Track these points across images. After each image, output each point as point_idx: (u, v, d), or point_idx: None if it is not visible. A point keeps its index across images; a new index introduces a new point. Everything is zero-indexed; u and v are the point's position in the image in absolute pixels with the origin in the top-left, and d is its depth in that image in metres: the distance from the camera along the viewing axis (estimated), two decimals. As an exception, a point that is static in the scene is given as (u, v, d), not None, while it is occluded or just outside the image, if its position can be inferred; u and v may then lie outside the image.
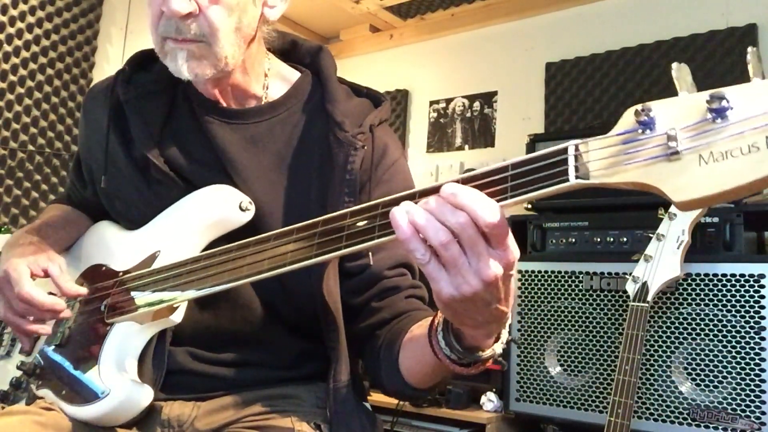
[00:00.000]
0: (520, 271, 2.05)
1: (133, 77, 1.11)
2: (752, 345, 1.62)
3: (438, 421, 2.14)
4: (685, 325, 1.71)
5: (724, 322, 1.66)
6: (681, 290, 1.73)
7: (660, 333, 1.74)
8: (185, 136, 1.08)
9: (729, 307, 1.66)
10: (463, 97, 3.19)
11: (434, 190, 0.70)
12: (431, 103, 3.28)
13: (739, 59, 2.43)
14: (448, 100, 3.23)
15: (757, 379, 1.60)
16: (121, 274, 1.04)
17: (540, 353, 1.96)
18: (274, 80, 1.12)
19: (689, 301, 1.72)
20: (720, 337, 1.66)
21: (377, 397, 2.10)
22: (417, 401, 2.14)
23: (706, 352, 1.68)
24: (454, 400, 2.13)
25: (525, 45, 3.03)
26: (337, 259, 0.99)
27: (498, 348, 0.81)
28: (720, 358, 1.65)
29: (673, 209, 1.67)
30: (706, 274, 1.70)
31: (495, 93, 3.09)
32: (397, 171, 1.08)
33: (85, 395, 0.96)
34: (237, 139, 1.06)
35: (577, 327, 1.91)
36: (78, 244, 1.19)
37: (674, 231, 1.65)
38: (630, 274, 1.69)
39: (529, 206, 2.17)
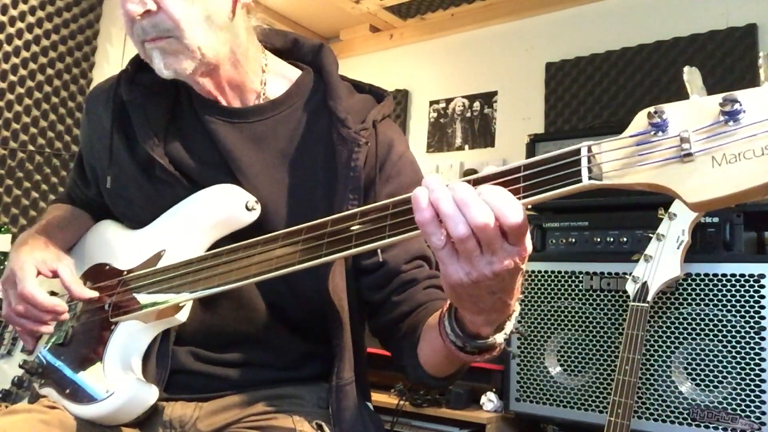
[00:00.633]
0: (520, 271, 2.04)
1: (136, 77, 1.11)
2: (752, 345, 1.62)
3: (438, 421, 2.14)
4: (685, 325, 1.71)
5: (724, 322, 1.66)
6: (681, 290, 1.73)
7: (660, 333, 1.74)
8: (189, 136, 1.08)
9: (729, 307, 1.66)
10: (463, 97, 3.19)
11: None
12: (431, 103, 3.29)
13: (739, 59, 2.44)
14: (448, 100, 3.23)
15: (757, 379, 1.60)
16: (125, 273, 1.04)
17: (540, 353, 1.96)
18: (274, 77, 1.12)
19: (689, 301, 1.72)
20: (720, 337, 1.66)
21: (377, 397, 2.10)
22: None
23: (706, 352, 1.68)
24: (454, 400, 2.13)
25: (525, 45, 3.03)
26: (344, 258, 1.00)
27: (499, 338, 0.81)
28: (720, 358, 1.65)
29: (673, 209, 1.67)
30: (706, 274, 1.70)
31: (495, 93, 3.09)
32: (404, 165, 1.08)
33: (90, 394, 0.96)
34: (240, 138, 1.06)
35: (577, 327, 1.91)
36: (81, 243, 1.19)
37: (674, 231, 1.65)
38: (630, 274, 1.69)
39: (530, 206, 2.17)
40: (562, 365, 1.93)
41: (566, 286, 1.94)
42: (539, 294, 2.00)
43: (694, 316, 1.71)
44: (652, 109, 0.61)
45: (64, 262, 1.05)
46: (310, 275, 0.96)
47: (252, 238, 0.90)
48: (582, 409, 1.86)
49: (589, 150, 0.64)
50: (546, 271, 1.99)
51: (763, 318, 1.61)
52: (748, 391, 1.61)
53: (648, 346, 1.74)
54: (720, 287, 1.68)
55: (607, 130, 2.13)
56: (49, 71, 2.70)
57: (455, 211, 0.66)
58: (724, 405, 1.63)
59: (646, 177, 0.61)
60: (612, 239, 1.94)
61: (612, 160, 0.63)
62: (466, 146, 3.14)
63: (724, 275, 1.68)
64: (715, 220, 1.76)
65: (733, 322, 1.65)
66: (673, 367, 1.72)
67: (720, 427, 1.62)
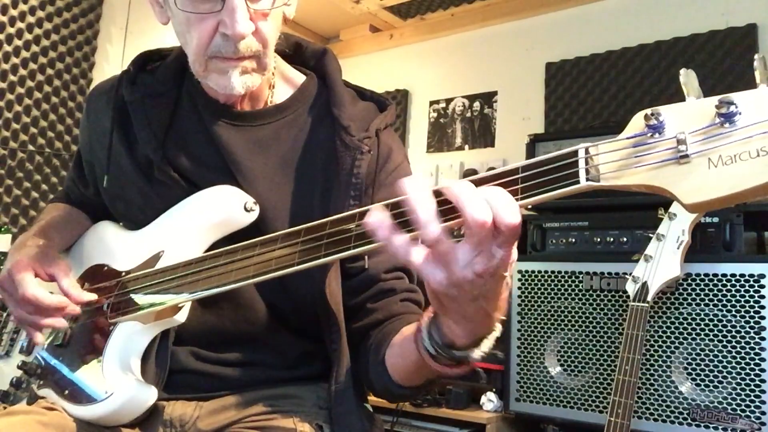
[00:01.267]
0: (520, 271, 2.05)
1: (138, 78, 1.11)
2: (752, 345, 1.62)
3: (438, 421, 2.14)
4: (685, 325, 1.72)
5: (724, 322, 1.66)
6: (681, 290, 1.73)
7: (660, 333, 1.74)
8: (189, 138, 1.08)
9: (729, 307, 1.66)
10: (463, 97, 3.19)
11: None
12: (431, 103, 3.29)
13: (739, 59, 2.44)
14: (448, 100, 3.23)
15: (757, 379, 1.60)
16: (123, 274, 1.04)
17: (540, 353, 1.96)
18: (279, 82, 1.12)
19: (689, 301, 1.72)
20: (720, 337, 1.66)
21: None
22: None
23: (706, 352, 1.68)
24: (454, 400, 2.13)
25: (525, 45, 3.03)
26: (338, 261, 1.00)
27: (475, 354, 0.80)
28: (720, 358, 1.65)
29: (673, 209, 1.67)
30: (706, 274, 1.71)
31: (495, 93, 3.09)
32: (399, 175, 1.08)
33: (89, 395, 0.96)
34: (242, 141, 1.06)
35: (577, 327, 1.91)
36: (79, 244, 1.19)
37: (674, 231, 1.65)
38: (630, 274, 1.69)
39: (529, 206, 2.17)
40: (562, 365, 1.93)
41: (566, 286, 1.94)
42: (539, 294, 2.00)
43: (694, 316, 1.71)
44: (648, 111, 0.62)
45: (61, 266, 1.05)
46: (307, 279, 0.96)
47: (249, 239, 0.90)
48: (582, 409, 1.86)
49: (587, 151, 0.65)
50: (546, 271, 1.99)
51: (763, 318, 1.61)
52: (748, 391, 1.61)
53: (648, 346, 1.74)
54: (720, 287, 1.68)
55: (607, 131, 2.13)
56: (49, 71, 2.70)
57: (432, 217, 0.65)
58: (724, 405, 1.63)
59: (643, 178, 0.61)
60: (612, 239, 1.94)
61: (609, 162, 0.63)
62: (466, 146, 3.14)
63: (724, 275, 1.68)
64: (715, 220, 1.77)
65: (733, 322, 1.65)
66: (673, 367, 1.72)
67: (720, 427, 1.62)
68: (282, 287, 1.00)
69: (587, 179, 0.63)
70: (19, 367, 1.08)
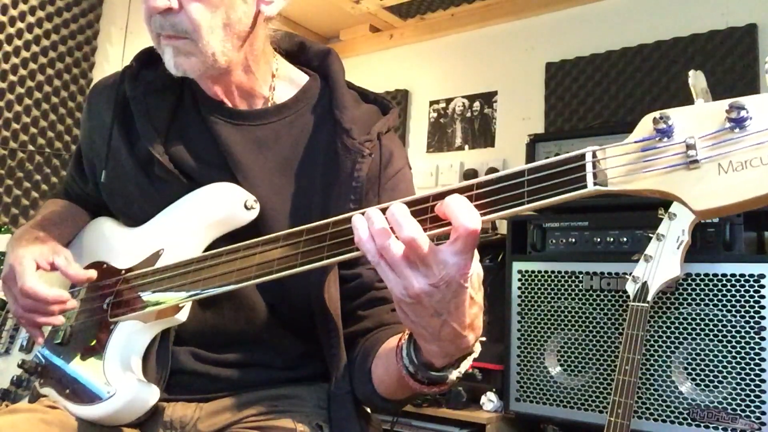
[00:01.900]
0: (520, 271, 2.05)
1: (140, 74, 1.11)
2: (752, 345, 1.62)
3: (438, 421, 2.14)
4: (685, 325, 1.72)
5: (724, 322, 1.66)
6: (681, 290, 1.73)
7: (660, 333, 1.74)
8: (190, 135, 1.08)
9: (729, 307, 1.66)
10: (463, 97, 3.19)
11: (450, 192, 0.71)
12: (431, 103, 3.28)
13: (739, 59, 2.44)
14: (448, 100, 3.23)
15: (757, 379, 1.60)
16: (123, 272, 1.04)
17: (540, 353, 1.96)
18: (282, 82, 1.11)
19: (689, 301, 1.72)
20: (720, 337, 1.66)
21: (377, 397, 2.09)
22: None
23: (706, 352, 1.68)
24: (454, 400, 2.13)
25: (525, 45, 3.03)
26: (337, 266, 1.00)
27: (452, 375, 0.81)
28: (720, 358, 1.65)
29: (673, 209, 1.67)
30: (706, 274, 1.70)
31: (495, 93, 3.09)
32: (400, 180, 1.08)
33: (90, 394, 0.96)
34: (242, 140, 1.06)
35: (577, 327, 1.91)
36: (78, 241, 1.18)
37: (674, 231, 1.65)
38: (630, 274, 1.69)
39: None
40: (562, 365, 1.93)
41: (566, 286, 1.94)
42: (539, 294, 2.00)
43: (694, 316, 1.71)
44: (657, 114, 0.61)
45: (62, 254, 1.05)
46: (306, 283, 0.96)
47: (248, 239, 0.90)
48: (582, 409, 1.86)
49: (594, 155, 0.64)
50: (546, 271, 1.99)
51: (763, 318, 1.61)
52: (748, 391, 1.61)
53: (648, 346, 1.74)
54: (720, 287, 1.68)
55: (608, 131, 2.13)
56: (49, 71, 2.70)
57: (381, 230, 0.69)
58: (724, 405, 1.63)
59: (652, 183, 0.60)
60: (612, 239, 1.94)
61: (617, 166, 0.63)
62: (466, 146, 3.14)
63: (724, 275, 1.68)
64: (715, 220, 1.76)
65: (733, 322, 1.65)
66: (673, 367, 1.72)
67: (720, 427, 1.62)
68: (282, 289, 1.00)
69: (595, 183, 0.63)
70: (19, 366, 1.07)
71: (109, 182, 1.11)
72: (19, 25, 2.60)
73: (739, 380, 1.62)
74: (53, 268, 1.03)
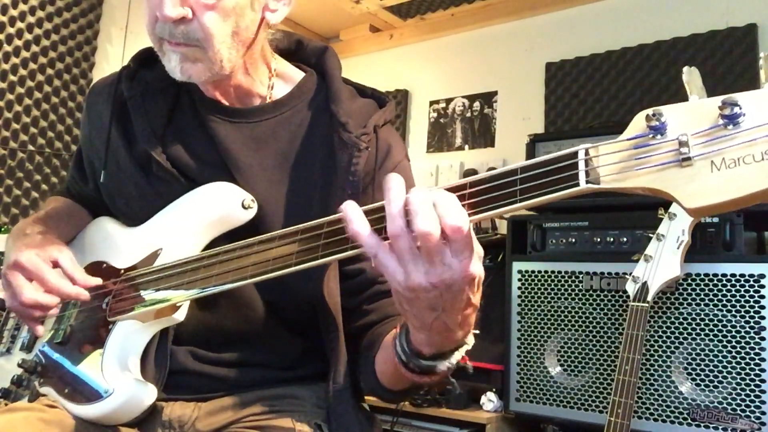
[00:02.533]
0: (520, 271, 2.05)
1: (138, 74, 1.11)
2: (752, 345, 1.62)
3: (438, 421, 2.14)
4: (685, 325, 1.71)
5: (724, 322, 1.66)
6: (681, 290, 1.73)
7: (660, 333, 1.74)
8: (188, 134, 1.08)
9: (729, 307, 1.66)
10: (463, 97, 3.19)
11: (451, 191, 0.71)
12: (431, 103, 3.28)
13: (739, 59, 2.44)
14: (448, 100, 3.23)
15: (757, 379, 1.60)
16: (122, 271, 1.04)
17: (540, 353, 1.96)
18: (279, 80, 1.12)
19: (689, 301, 1.72)
20: (720, 337, 1.66)
21: (377, 397, 2.09)
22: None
23: (706, 352, 1.68)
24: (454, 400, 2.13)
25: (525, 45, 3.03)
26: (337, 261, 0.99)
27: (442, 365, 0.81)
28: (720, 358, 1.65)
29: (673, 209, 1.67)
30: (706, 274, 1.70)
31: (495, 93, 3.09)
32: (399, 172, 1.08)
33: (89, 394, 0.96)
34: (240, 137, 1.06)
35: (577, 327, 1.91)
36: (78, 240, 1.18)
37: (674, 231, 1.65)
38: (630, 274, 1.69)
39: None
40: (562, 365, 1.92)
41: (566, 286, 1.94)
42: (539, 294, 2.00)
43: (694, 316, 1.71)
44: (650, 111, 0.60)
45: (65, 252, 1.05)
46: (306, 279, 0.96)
47: (247, 237, 0.90)
48: (582, 409, 1.86)
49: (587, 153, 0.63)
50: (546, 271, 1.99)
51: (763, 318, 1.61)
52: (748, 391, 1.61)
53: (648, 346, 1.74)
54: (720, 287, 1.68)
55: (607, 131, 2.13)
56: (49, 71, 2.70)
57: (398, 213, 0.68)
58: (724, 405, 1.63)
59: (645, 181, 0.60)
60: (612, 239, 1.94)
61: (610, 164, 0.62)
62: (466, 146, 3.14)
63: (724, 275, 1.68)
64: (715, 220, 1.76)
65: (733, 322, 1.65)
66: (673, 367, 1.72)
67: (720, 427, 1.62)
68: (281, 286, 1.00)
69: (587, 181, 0.63)
70: (19, 365, 1.08)
71: (109, 182, 1.11)
72: (19, 25, 2.60)
73: (739, 380, 1.62)
74: (56, 265, 1.03)
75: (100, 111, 1.13)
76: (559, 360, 1.93)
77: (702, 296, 1.70)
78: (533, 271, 2.02)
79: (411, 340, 0.81)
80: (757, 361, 1.60)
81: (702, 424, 1.64)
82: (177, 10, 0.93)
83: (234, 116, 1.07)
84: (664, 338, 1.74)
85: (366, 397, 1.08)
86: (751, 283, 1.64)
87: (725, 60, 2.46)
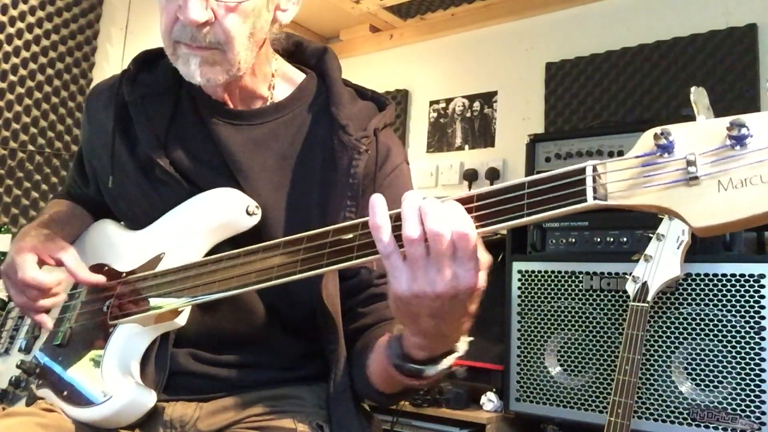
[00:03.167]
0: (520, 271, 2.05)
1: (138, 77, 1.11)
2: (752, 345, 1.62)
3: (438, 421, 2.14)
4: (685, 325, 1.72)
5: (724, 322, 1.66)
6: (681, 290, 1.73)
7: (660, 333, 1.74)
8: (190, 137, 1.08)
9: (729, 307, 1.66)
10: (463, 97, 3.19)
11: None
12: (431, 103, 3.28)
13: (739, 59, 2.44)
14: (448, 100, 3.23)
15: (757, 379, 1.60)
16: (124, 275, 1.04)
17: (540, 353, 1.96)
18: (279, 81, 1.12)
19: (689, 301, 1.72)
20: (720, 337, 1.66)
21: (377, 397, 2.09)
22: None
23: (706, 352, 1.68)
24: (454, 400, 2.13)
25: (525, 45, 3.03)
26: None
27: (430, 371, 0.82)
28: (720, 358, 1.65)
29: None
30: (706, 274, 1.70)
31: (495, 93, 3.09)
32: (397, 177, 1.08)
33: (88, 397, 0.96)
34: (241, 140, 1.06)
35: (577, 327, 1.91)
36: (79, 243, 1.18)
37: (674, 231, 1.65)
38: (630, 274, 1.69)
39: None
40: (562, 365, 1.93)
41: (566, 286, 1.94)
42: (539, 294, 2.00)
43: (694, 316, 1.71)
44: (658, 129, 0.61)
45: (68, 251, 1.05)
46: (305, 283, 0.96)
47: (250, 241, 0.90)
48: (582, 409, 1.86)
49: (594, 169, 0.64)
50: (546, 271, 1.99)
51: (763, 318, 1.61)
52: (748, 391, 1.61)
53: (648, 346, 1.74)
54: (720, 287, 1.68)
55: (607, 131, 2.13)
56: (49, 71, 2.70)
57: (415, 215, 0.69)
58: (724, 405, 1.63)
59: (652, 199, 0.60)
60: (612, 239, 1.94)
61: (617, 181, 0.63)
62: (466, 146, 3.14)
63: (724, 275, 1.68)
64: (715, 220, 1.76)
65: (733, 322, 1.65)
66: (673, 367, 1.72)
67: (720, 427, 1.62)
68: (281, 290, 1.00)
69: (594, 198, 0.63)
70: (18, 366, 1.07)
71: (113, 186, 1.11)
72: (19, 25, 2.60)
73: (739, 380, 1.62)
74: (59, 264, 1.03)
75: (100, 114, 1.13)
76: (559, 360, 1.93)
77: (702, 296, 1.70)
78: (533, 271, 2.02)
79: (403, 344, 0.82)
80: (757, 361, 1.60)
81: (702, 424, 1.64)
82: (202, 14, 0.92)
83: (235, 118, 1.07)
84: (664, 338, 1.74)
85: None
86: (751, 283, 1.64)
87: (725, 60, 2.46)
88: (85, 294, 1.09)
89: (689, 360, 1.70)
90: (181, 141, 1.07)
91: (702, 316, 1.70)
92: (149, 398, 0.95)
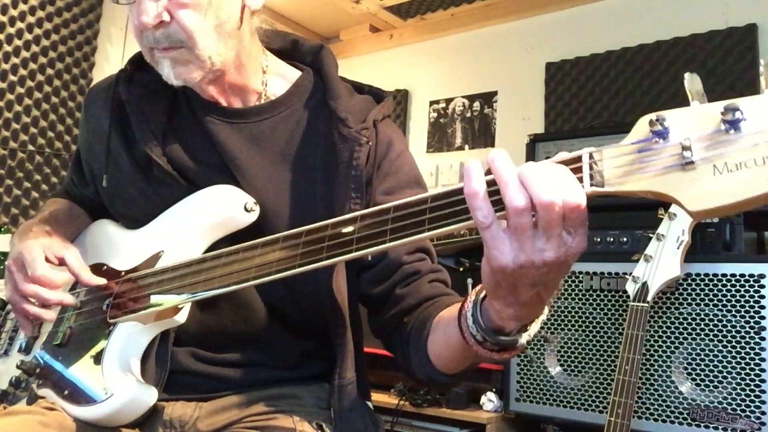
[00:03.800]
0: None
1: (135, 77, 1.11)
2: (752, 345, 1.62)
3: (438, 421, 2.14)
4: (685, 325, 1.71)
5: (724, 322, 1.66)
6: (681, 290, 1.73)
7: (660, 333, 1.74)
8: (187, 136, 1.08)
9: (729, 307, 1.66)
10: (463, 97, 3.19)
11: (447, 195, 0.70)
12: (431, 103, 3.29)
13: (739, 59, 2.44)
14: (448, 100, 3.23)
15: (757, 379, 1.60)
16: (123, 273, 1.04)
17: (540, 353, 1.96)
18: (274, 78, 1.12)
19: (689, 301, 1.72)
20: (720, 337, 1.66)
21: (378, 397, 2.10)
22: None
23: (706, 352, 1.67)
24: (454, 400, 2.13)
25: (525, 45, 3.03)
26: None
27: (523, 339, 0.78)
28: (720, 358, 1.65)
29: (673, 209, 1.67)
30: (706, 274, 1.70)
31: (495, 93, 3.09)
32: (402, 163, 1.08)
33: (88, 395, 0.96)
34: (239, 138, 1.06)
35: (577, 327, 1.91)
36: (78, 242, 1.18)
37: (674, 231, 1.65)
38: (630, 274, 1.69)
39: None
40: (562, 365, 1.92)
41: (566, 286, 1.94)
42: (539, 294, 1.99)
43: (694, 316, 1.71)
44: (653, 116, 0.61)
45: (71, 250, 1.05)
46: (310, 276, 0.96)
47: (250, 238, 0.90)
48: (582, 409, 1.86)
49: (591, 157, 0.64)
50: (546, 271, 1.99)
51: (763, 318, 1.61)
52: (748, 391, 1.60)
53: (648, 346, 1.74)
54: (720, 287, 1.68)
55: (607, 130, 2.13)
56: (49, 71, 2.70)
57: (516, 180, 0.63)
58: (724, 405, 1.63)
59: (648, 184, 0.61)
60: (612, 239, 1.94)
61: (614, 167, 0.63)
62: (466, 146, 3.14)
63: (724, 275, 1.68)
64: (715, 220, 1.76)
65: (733, 322, 1.65)
66: (673, 367, 1.72)
67: (720, 427, 1.62)
68: (285, 284, 1.00)
69: (591, 184, 0.64)
70: (18, 367, 1.07)
71: (110, 185, 1.11)
72: (19, 25, 2.60)
73: (739, 380, 1.62)
74: (62, 263, 1.03)
75: (98, 114, 1.13)
76: (559, 360, 1.93)
77: (702, 296, 1.70)
78: (533, 271, 2.02)
79: (492, 318, 0.76)
80: (757, 361, 1.60)
81: (702, 424, 1.64)
82: (153, 16, 0.93)
83: (232, 117, 1.07)
84: (664, 338, 1.74)
85: (373, 396, 1.07)
86: (751, 283, 1.64)
87: (725, 60, 2.46)
88: (84, 293, 1.09)
89: (689, 360, 1.70)
90: (178, 139, 1.08)
91: (702, 316, 1.70)
92: (150, 395, 0.95)
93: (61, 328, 1.08)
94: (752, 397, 1.60)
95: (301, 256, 0.81)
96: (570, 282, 1.94)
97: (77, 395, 0.97)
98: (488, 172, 0.67)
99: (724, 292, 1.67)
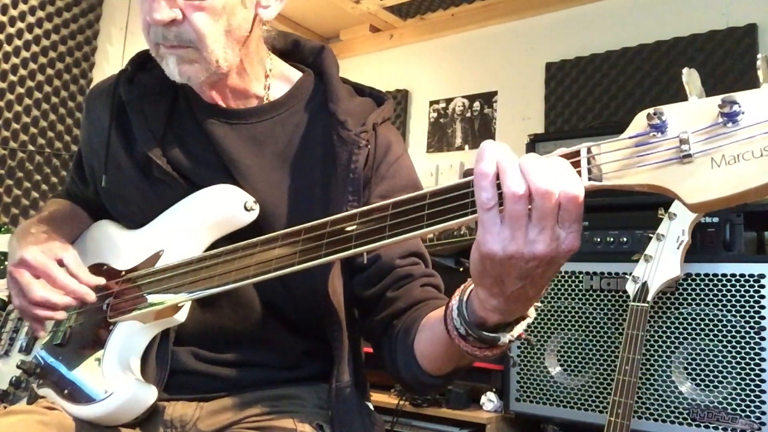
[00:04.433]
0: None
1: (136, 77, 1.11)
2: (752, 345, 1.62)
3: (438, 421, 2.14)
4: (685, 325, 1.71)
5: (724, 322, 1.66)
6: (681, 290, 1.73)
7: (660, 333, 1.74)
8: (187, 137, 1.08)
9: (729, 307, 1.66)
10: (463, 97, 3.19)
11: (446, 191, 0.71)
12: (431, 103, 3.29)
13: (739, 59, 2.44)
14: (448, 100, 3.23)
15: (757, 379, 1.60)
16: (123, 273, 1.04)
17: (540, 353, 1.96)
18: (276, 80, 1.12)
19: (689, 301, 1.72)
20: (720, 337, 1.66)
21: (378, 397, 2.10)
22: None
23: (706, 352, 1.67)
24: (454, 400, 2.13)
25: (525, 45, 3.03)
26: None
27: (505, 338, 0.77)
28: (720, 358, 1.65)
29: (673, 209, 1.67)
30: (706, 274, 1.70)
31: (495, 93, 3.09)
32: (400, 167, 1.08)
33: (88, 394, 0.96)
34: (238, 139, 1.06)
35: (577, 327, 1.90)
36: (79, 242, 1.19)
37: (674, 231, 1.65)
38: (630, 274, 1.69)
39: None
40: (562, 365, 1.92)
41: (566, 286, 1.94)
42: (539, 294, 1.99)
43: (694, 316, 1.71)
44: (651, 110, 0.61)
45: (70, 251, 1.05)
46: (307, 277, 0.96)
47: (249, 238, 0.90)
48: (582, 409, 1.86)
49: (589, 151, 0.65)
50: (546, 271, 1.98)
51: (763, 318, 1.61)
52: (748, 391, 1.60)
53: (648, 346, 1.74)
54: (720, 287, 1.68)
55: (607, 130, 2.13)
56: (49, 71, 2.70)
57: (517, 168, 0.63)
58: (724, 405, 1.63)
59: (646, 178, 0.61)
60: (612, 239, 1.94)
61: (612, 161, 0.63)
62: (466, 146, 3.14)
63: (724, 275, 1.68)
64: (715, 220, 1.76)
65: (733, 322, 1.65)
66: (673, 367, 1.72)
67: (720, 427, 1.62)
68: (283, 285, 1.00)
69: (589, 179, 0.64)
70: (18, 367, 1.07)
71: (110, 186, 1.11)
72: (19, 25, 2.60)
73: (739, 380, 1.62)
74: (60, 264, 1.03)
75: (99, 115, 1.13)
76: (559, 360, 1.93)
77: (702, 296, 1.70)
78: (533, 271, 2.01)
79: (476, 312, 0.75)
80: (757, 361, 1.60)
81: (702, 424, 1.64)
82: (167, 13, 0.93)
83: (231, 118, 1.07)
84: (664, 338, 1.74)
85: (373, 396, 1.07)
86: (751, 283, 1.64)
87: (725, 60, 2.47)
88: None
89: (689, 360, 1.70)
90: (178, 140, 1.08)
91: (702, 316, 1.70)
92: (150, 394, 0.95)
93: (62, 327, 1.08)
94: (752, 397, 1.60)
95: (300, 253, 0.81)
96: (570, 282, 1.94)
97: (77, 394, 0.97)
98: None
99: (724, 292, 1.67)
